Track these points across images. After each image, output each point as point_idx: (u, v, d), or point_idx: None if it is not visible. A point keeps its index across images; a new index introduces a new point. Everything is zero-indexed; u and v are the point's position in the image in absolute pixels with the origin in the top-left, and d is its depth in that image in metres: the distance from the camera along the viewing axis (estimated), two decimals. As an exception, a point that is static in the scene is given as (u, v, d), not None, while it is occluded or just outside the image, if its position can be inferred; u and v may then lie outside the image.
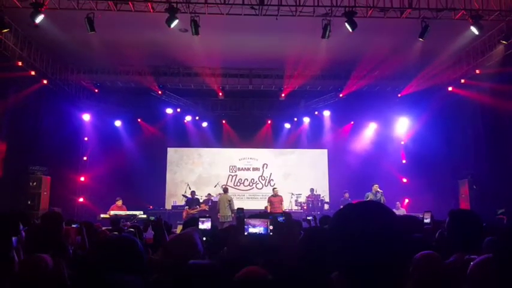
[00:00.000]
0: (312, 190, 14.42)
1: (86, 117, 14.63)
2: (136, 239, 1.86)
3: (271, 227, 2.94)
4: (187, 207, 13.21)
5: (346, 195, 13.22)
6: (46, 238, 3.54)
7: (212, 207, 13.26)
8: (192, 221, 4.84)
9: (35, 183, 11.59)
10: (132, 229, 5.10)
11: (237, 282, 2.16)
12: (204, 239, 4.63)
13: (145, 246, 4.17)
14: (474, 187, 11.61)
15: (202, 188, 15.32)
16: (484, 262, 2.07)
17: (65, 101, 13.37)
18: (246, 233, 3.52)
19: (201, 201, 13.73)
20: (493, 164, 11.28)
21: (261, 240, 3.27)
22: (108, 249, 1.81)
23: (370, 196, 12.44)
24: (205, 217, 4.82)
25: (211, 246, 3.78)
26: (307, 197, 14.25)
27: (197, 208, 12.90)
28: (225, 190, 13.24)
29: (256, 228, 3.43)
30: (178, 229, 8.00)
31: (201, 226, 4.58)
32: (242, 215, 5.59)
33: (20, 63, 10.75)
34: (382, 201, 11.58)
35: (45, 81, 12.00)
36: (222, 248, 3.74)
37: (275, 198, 13.25)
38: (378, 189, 12.65)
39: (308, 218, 7.52)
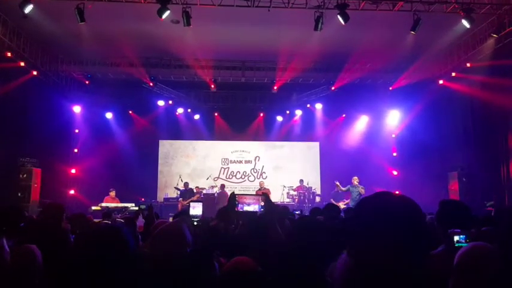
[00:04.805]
0: (301, 181, 14.46)
1: (77, 109, 14.49)
2: (121, 227, 1.85)
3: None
4: (181, 198, 13.22)
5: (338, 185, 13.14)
6: (46, 229, 3.52)
7: (205, 200, 13.23)
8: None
9: (25, 176, 11.48)
10: (122, 220, 5.10)
11: (226, 273, 2.16)
12: (195, 223, 4.62)
13: (135, 236, 4.16)
14: (464, 179, 11.73)
15: (196, 180, 15.33)
16: (471, 250, 2.09)
17: (55, 92, 13.23)
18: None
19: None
20: (482, 157, 11.38)
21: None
22: (92, 237, 1.81)
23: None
24: (196, 201, 4.85)
25: (201, 234, 3.80)
26: (297, 188, 14.30)
27: (193, 198, 12.90)
28: (223, 187, 14.22)
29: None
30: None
31: (192, 212, 4.60)
32: (234, 199, 5.59)
33: (9, 54, 10.62)
34: (361, 193, 11.71)
35: (35, 73, 11.86)
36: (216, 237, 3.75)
37: (260, 192, 13.32)
38: (357, 183, 12.28)
39: (296, 212, 7.54)
